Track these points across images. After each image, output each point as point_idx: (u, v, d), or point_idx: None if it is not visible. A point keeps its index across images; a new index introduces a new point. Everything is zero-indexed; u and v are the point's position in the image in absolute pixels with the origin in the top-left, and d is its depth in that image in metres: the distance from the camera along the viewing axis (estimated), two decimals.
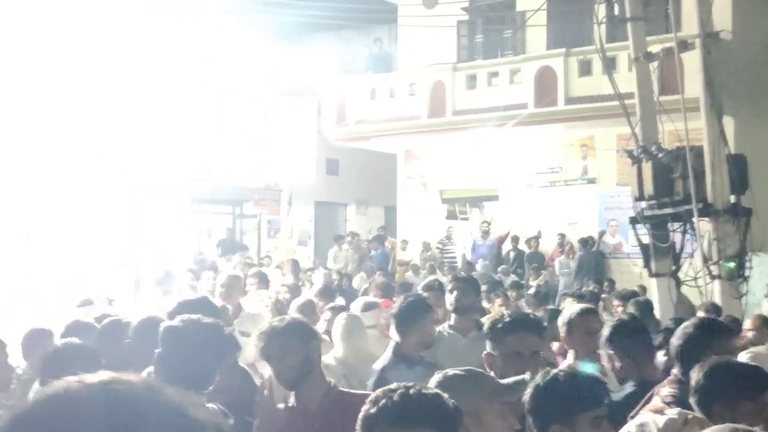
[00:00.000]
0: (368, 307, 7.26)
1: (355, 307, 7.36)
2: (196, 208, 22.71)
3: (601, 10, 12.59)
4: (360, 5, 22.06)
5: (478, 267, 17.71)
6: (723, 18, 14.75)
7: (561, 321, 5.33)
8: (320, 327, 6.87)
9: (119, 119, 18.72)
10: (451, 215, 21.46)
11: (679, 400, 3.72)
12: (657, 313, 9.18)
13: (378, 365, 5.37)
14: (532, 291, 13.46)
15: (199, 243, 22.03)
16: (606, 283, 14.43)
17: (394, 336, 5.45)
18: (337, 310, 7.16)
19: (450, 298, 6.14)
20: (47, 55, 17.39)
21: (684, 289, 10.86)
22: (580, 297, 9.83)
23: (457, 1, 19.71)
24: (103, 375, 1.41)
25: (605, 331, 4.90)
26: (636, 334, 4.86)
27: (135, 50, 18.69)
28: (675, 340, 4.22)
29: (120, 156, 18.50)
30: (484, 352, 4.25)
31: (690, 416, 3.41)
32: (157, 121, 19.52)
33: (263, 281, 10.60)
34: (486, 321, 5.11)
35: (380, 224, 23.22)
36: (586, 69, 17.77)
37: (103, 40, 18.15)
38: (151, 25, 18.94)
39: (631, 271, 16.87)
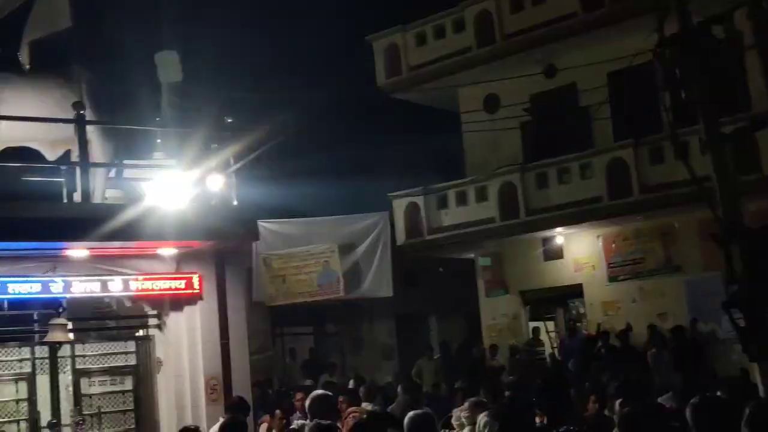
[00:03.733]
0: None
1: None
2: (278, 330, 22.83)
3: (666, 97, 12.56)
4: (424, 117, 22.45)
5: (570, 366, 17.37)
6: None
7: None
8: None
9: None
10: (535, 316, 21.22)
11: None
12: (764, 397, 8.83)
13: None
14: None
15: (283, 364, 22.08)
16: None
17: None
18: None
19: None
20: None
21: None
22: None
23: (519, 102, 19.90)
24: None
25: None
26: None
27: None
28: None
29: None
30: None
31: None
32: None
33: (354, 398, 10.55)
34: None
35: (464, 333, 23.01)
36: (658, 157, 17.66)
37: None
38: None
39: (728, 358, 16.37)
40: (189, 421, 11.16)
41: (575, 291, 20.11)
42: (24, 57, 11.55)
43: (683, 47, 11.22)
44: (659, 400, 9.05)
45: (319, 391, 8.46)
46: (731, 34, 10.49)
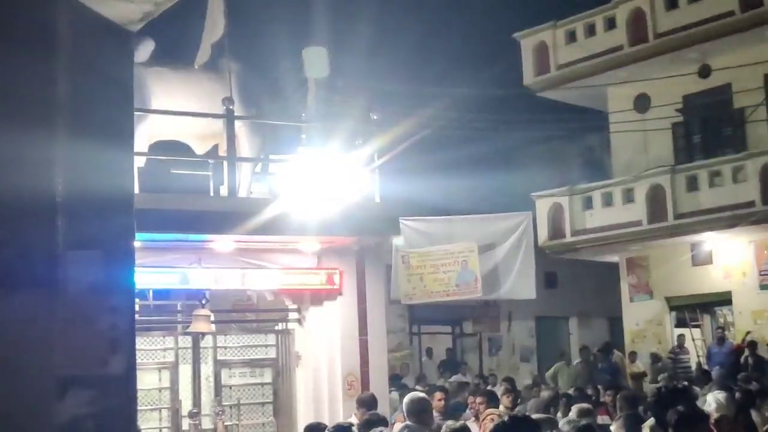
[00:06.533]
0: None
1: None
2: (416, 328, 22.85)
3: None
4: (570, 116, 22.06)
5: (714, 375, 16.73)
6: None
7: None
8: None
9: None
10: (681, 322, 20.57)
11: None
12: None
13: None
14: None
15: (421, 363, 22.07)
16: None
17: None
18: None
19: None
20: None
21: None
22: None
23: (671, 103, 19.34)
24: None
25: None
26: None
27: None
28: None
29: None
30: None
31: None
32: None
33: (492, 400, 10.41)
34: None
35: (605, 336, 22.52)
36: None
37: None
38: None
39: None
40: (326, 416, 11.26)
41: (724, 298, 19.45)
42: (203, 56, 11.83)
43: None
44: None
45: (416, 393, 8.33)
46: None
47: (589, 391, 14.73)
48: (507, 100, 22.16)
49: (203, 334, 11.26)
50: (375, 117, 13.34)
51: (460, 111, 20.47)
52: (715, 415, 7.03)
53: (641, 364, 19.10)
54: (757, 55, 17.72)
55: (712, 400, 9.27)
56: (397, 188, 15.02)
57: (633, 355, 19.51)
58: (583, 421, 7.47)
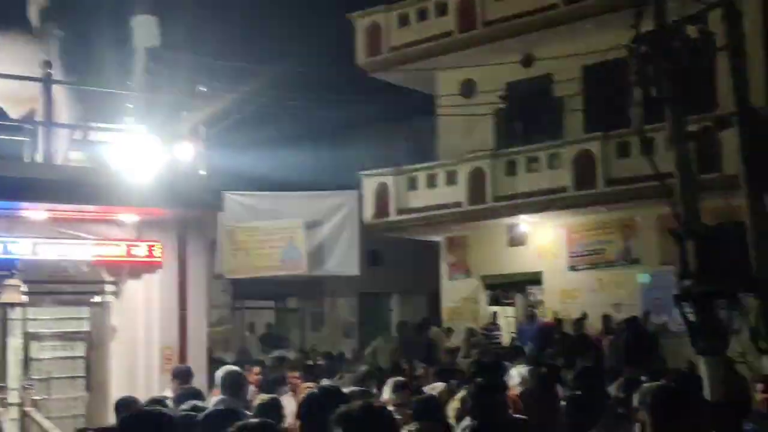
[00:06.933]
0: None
1: None
2: (240, 303, 22.83)
3: (636, 92, 12.64)
4: (398, 98, 22.43)
5: (526, 351, 17.56)
6: (760, 95, 14.81)
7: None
8: None
9: None
10: (495, 300, 21.41)
11: None
12: (706, 390, 8.99)
13: None
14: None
15: (244, 338, 22.10)
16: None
17: None
18: None
19: None
20: None
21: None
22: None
23: (495, 89, 19.97)
24: None
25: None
26: None
27: None
28: None
29: None
30: None
31: None
32: None
33: (310, 375, 10.60)
34: None
35: (424, 313, 23.13)
36: (624, 151, 17.80)
37: None
38: None
39: (678, 350, 16.57)
40: (141, 390, 11.14)
41: (535, 278, 20.29)
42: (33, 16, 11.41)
43: (657, 44, 11.33)
44: (609, 388, 9.16)
45: (231, 367, 8.31)
46: (704, 34, 10.58)
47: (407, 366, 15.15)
48: (340, 79, 22.33)
49: (13, 305, 10.94)
50: (203, 90, 13.25)
51: (292, 88, 20.50)
52: (518, 389, 7.38)
53: (456, 340, 19.74)
54: (577, 47, 18.39)
55: (516, 374, 9.76)
56: (225, 162, 14.95)
57: (449, 331, 20.13)
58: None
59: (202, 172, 12.47)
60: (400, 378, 8.60)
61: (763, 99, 15.59)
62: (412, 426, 6.54)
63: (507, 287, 21.42)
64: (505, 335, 20.51)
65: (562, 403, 6.29)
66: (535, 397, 8.75)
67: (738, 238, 10.11)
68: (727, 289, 10.09)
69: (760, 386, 9.13)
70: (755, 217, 10.34)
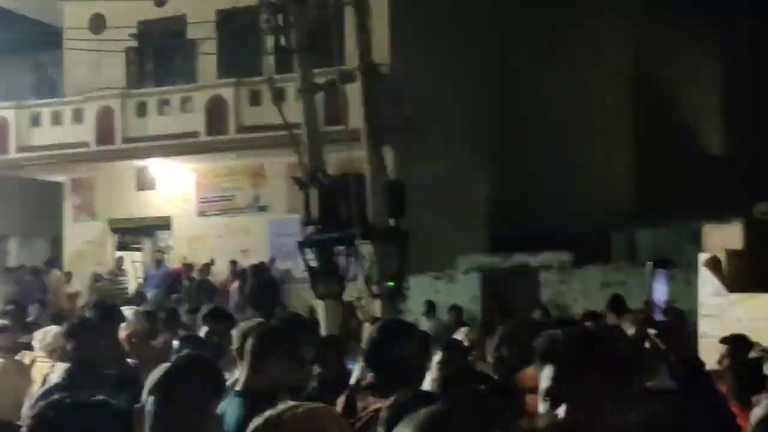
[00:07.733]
0: None
1: None
2: None
3: (269, 41, 12.84)
4: (21, 27, 21.06)
5: (149, 296, 17.45)
6: (384, 52, 15.68)
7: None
8: None
9: None
10: (122, 245, 20.98)
11: None
12: (324, 333, 9.46)
13: None
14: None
15: None
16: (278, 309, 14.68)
17: None
18: None
19: None
20: None
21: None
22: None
23: (126, 26, 19.39)
24: None
25: None
26: None
27: None
28: None
29: None
30: None
31: None
32: None
33: None
34: None
35: (46, 257, 22.11)
36: (256, 99, 18.06)
37: None
38: None
39: (301, 295, 17.25)
40: None
41: (164, 223, 20.14)
42: None
43: None
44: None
45: None
46: None
47: None
48: None
49: None
50: None
51: None
52: (126, 331, 7.31)
53: (78, 284, 19.10)
54: None
55: (129, 315, 9.65)
56: None
57: (68, 275, 19.40)
58: None
59: None
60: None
61: (387, 55, 16.55)
62: None
63: (135, 232, 21.04)
64: (133, 281, 20.18)
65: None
66: (142, 338, 8.77)
67: (358, 189, 10.73)
68: (346, 236, 10.70)
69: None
70: (374, 170, 11.02)
